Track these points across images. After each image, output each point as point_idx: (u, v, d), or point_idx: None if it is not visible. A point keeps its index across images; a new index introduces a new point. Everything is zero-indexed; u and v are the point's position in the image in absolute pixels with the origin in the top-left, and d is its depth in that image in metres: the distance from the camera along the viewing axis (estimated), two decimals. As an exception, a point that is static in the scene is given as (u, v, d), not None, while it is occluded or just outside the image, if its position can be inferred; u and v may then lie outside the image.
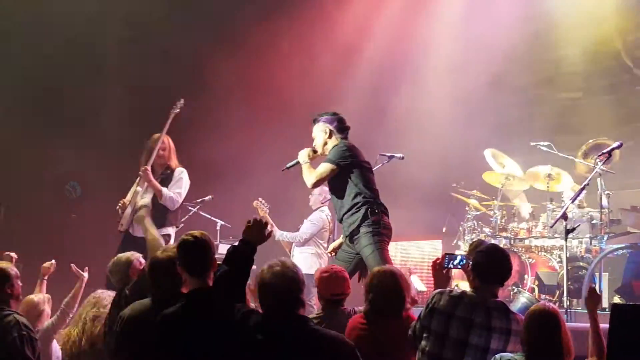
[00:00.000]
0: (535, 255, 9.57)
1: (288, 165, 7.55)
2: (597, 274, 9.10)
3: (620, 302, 9.28)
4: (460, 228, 10.30)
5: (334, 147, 7.40)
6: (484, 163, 10.50)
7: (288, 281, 4.59)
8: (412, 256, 11.34)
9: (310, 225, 10.42)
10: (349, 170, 7.27)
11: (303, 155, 7.41)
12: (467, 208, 10.41)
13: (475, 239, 9.57)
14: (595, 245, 9.27)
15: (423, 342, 5.26)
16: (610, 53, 12.76)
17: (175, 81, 11.62)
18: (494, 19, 12.08)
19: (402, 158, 8.46)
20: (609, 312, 5.41)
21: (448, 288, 5.48)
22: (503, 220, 10.00)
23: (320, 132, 7.49)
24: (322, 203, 10.40)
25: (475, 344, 5.16)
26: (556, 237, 9.27)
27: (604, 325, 5.18)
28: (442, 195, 10.89)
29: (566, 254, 7.88)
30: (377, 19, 12.98)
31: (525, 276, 9.32)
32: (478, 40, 12.21)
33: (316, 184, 7.40)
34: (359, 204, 7.19)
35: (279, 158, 8.20)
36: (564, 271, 7.90)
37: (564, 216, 7.84)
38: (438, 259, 5.67)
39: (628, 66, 12.75)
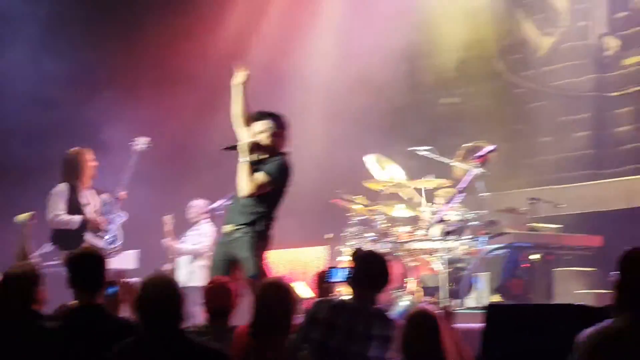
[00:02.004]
0: (418, 258, 9.77)
1: (228, 145, 7.43)
2: (476, 274, 9.41)
3: (500, 301, 9.65)
4: (345, 233, 10.42)
5: (278, 159, 7.39)
6: (366, 168, 10.66)
7: (166, 294, 4.53)
8: (298, 263, 11.48)
9: (206, 239, 10.51)
10: (279, 190, 7.33)
11: (244, 149, 7.28)
12: (350, 213, 10.55)
13: (357, 245, 9.79)
14: (474, 247, 9.55)
15: (302, 352, 5.25)
16: (487, 58, 13.16)
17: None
18: (372, 27, 12.31)
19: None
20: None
21: (329, 298, 5.55)
22: (386, 225, 10.16)
23: (269, 132, 7.42)
24: (206, 215, 10.50)
25: (355, 352, 5.20)
26: (437, 240, 9.51)
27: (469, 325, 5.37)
28: (326, 201, 11.03)
29: (445, 256, 8.11)
30: (258, 27, 13.08)
31: (408, 279, 9.52)
32: (356, 47, 12.42)
33: (251, 195, 7.29)
34: (261, 216, 7.28)
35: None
36: (443, 273, 8.13)
37: (442, 219, 8.07)
38: (322, 271, 5.75)
39: (502, 71, 13.19)
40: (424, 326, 4.74)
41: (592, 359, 3.90)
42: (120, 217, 9.61)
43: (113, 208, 9.53)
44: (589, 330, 3.99)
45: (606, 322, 3.99)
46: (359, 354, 5.22)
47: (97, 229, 9.26)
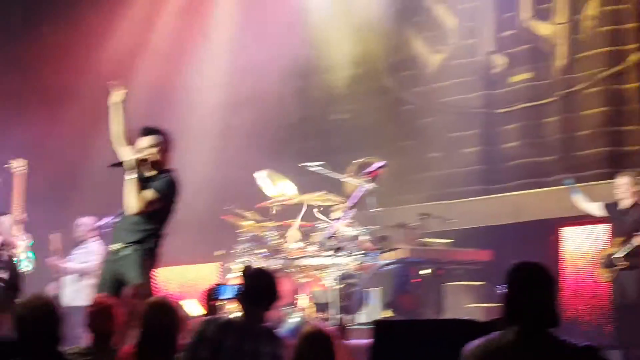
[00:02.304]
0: (309, 274, 9.76)
1: (115, 162, 7.25)
2: (368, 290, 9.43)
3: (392, 316, 9.69)
4: (236, 250, 10.34)
5: (166, 176, 7.25)
6: (260, 184, 10.60)
7: (43, 315, 4.43)
8: (188, 280, 11.34)
9: (93, 257, 10.28)
10: (168, 207, 7.20)
11: (131, 165, 7.11)
12: (240, 230, 10.47)
13: (248, 262, 9.72)
14: (366, 262, 9.56)
15: None
16: (377, 74, 13.28)
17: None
18: (262, 43, 12.30)
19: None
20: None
21: (217, 316, 5.47)
22: (277, 241, 10.12)
23: (156, 148, 7.27)
24: (93, 233, 10.29)
25: None
26: (328, 256, 9.50)
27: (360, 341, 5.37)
28: (217, 217, 10.92)
29: (335, 272, 8.10)
30: (147, 42, 12.93)
31: (299, 295, 9.49)
32: (247, 63, 12.39)
33: (139, 212, 7.13)
34: (150, 233, 7.14)
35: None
36: (335, 289, 8.12)
37: (333, 235, 8.07)
38: (209, 288, 5.66)
39: (392, 87, 13.31)
40: (318, 344, 4.72)
41: None
42: (25, 240, 9.40)
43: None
44: (475, 343, 3.99)
45: (492, 335, 3.99)
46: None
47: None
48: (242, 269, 5.76)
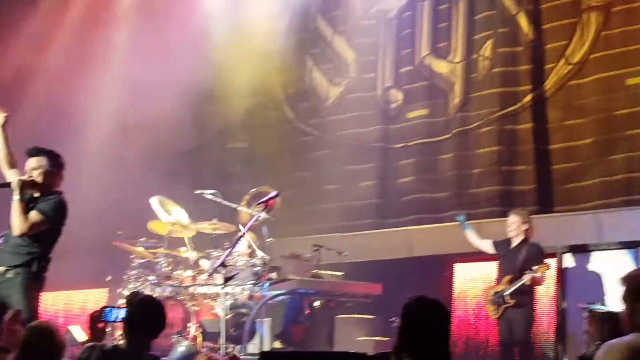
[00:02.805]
0: (200, 302, 9.65)
1: (2, 183, 7.03)
2: (258, 320, 9.35)
3: (282, 347, 9.63)
4: (125, 276, 10.17)
5: (53, 198, 7.05)
6: (152, 211, 10.46)
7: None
8: (76, 305, 11.08)
9: None
10: (54, 229, 7.01)
11: (15, 185, 6.88)
12: (132, 256, 10.31)
13: (139, 288, 9.57)
14: (257, 292, 9.50)
15: None
16: (276, 105, 13.30)
17: None
18: (161, 69, 12.10)
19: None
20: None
21: (102, 343, 5.35)
22: (168, 268, 10.00)
23: (43, 169, 7.06)
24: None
25: None
26: (219, 285, 9.39)
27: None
28: (107, 242, 10.72)
29: (225, 301, 8.02)
30: (42, 59, 12.67)
31: (189, 324, 9.37)
32: (145, 88, 12.18)
33: (24, 234, 6.92)
34: (35, 257, 6.96)
35: None
36: (225, 319, 8.04)
37: (223, 264, 8.00)
38: (96, 311, 5.52)
39: (290, 118, 13.33)
40: None
41: None
42: None
43: None
44: None
45: None
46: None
47: None
48: (128, 296, 5.73)
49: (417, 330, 3.99)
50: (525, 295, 9.00)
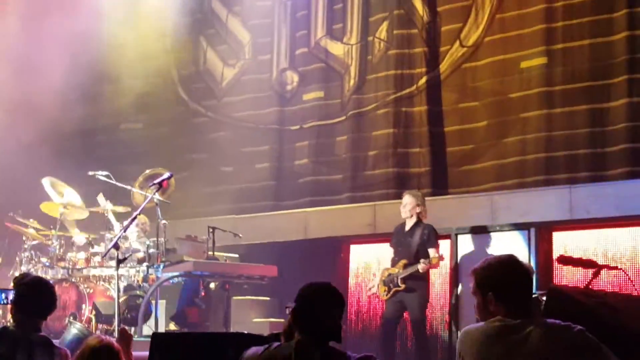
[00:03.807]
0: (94, 284, 9.49)
1: None
2: (153, 302, 9.24)
3: (176, 329, 9.53)
4: (17, 258, 9.93)
5: None
6: (44, 192, 10.22)
7: None
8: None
9: None
10: None
11: None
12: (24, 238, 10.06)
13: (31, 270, 9.36)
14: (152, 274, 9.38)
15: None
16: (168, 86, 13.12)
17: None
18: (52, 49, 11.80)
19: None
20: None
21: None
22: (61, 250, 9.81)
23: None
24: None
25: None
26: (113, 267, 9.24)
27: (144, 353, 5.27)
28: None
29: (119, 283, 7.91)
30: None
31: (83, 306, 9.20)
32: (33, 66, 11.87)
33: None
34: None
35: None
36: (118, 300, 7.93)
37: (116, 246, 7.85)
38: None
39: (184, 99, 13.17)
40: (104, 357, 4.55)
41: None
42: None
43: None
44: (254, 350, 4.17)
45: (274, 344, 4.16)
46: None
47: None
48: (16, 277, 5.58)
49: (308, 311, 4.09)
50: (419, 281, 9.05)
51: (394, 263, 9.29)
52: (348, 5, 12.07)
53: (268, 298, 10.74)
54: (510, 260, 4.13)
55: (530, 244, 9.29)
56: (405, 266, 9.06)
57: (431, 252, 8.98)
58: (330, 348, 4.08)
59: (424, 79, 11.30)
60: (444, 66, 11.20)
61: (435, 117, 11.20)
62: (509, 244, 9.40)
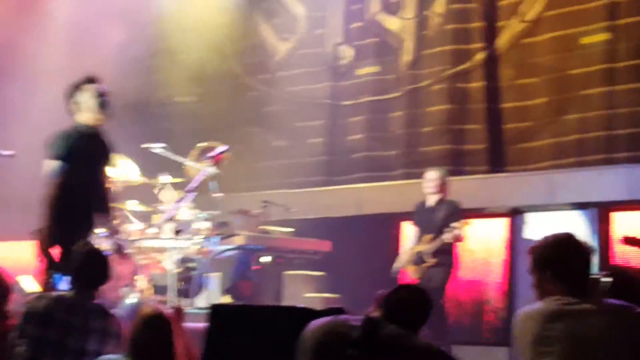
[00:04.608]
0: (149, 256, 9.51)
1: None
2: (207, 275, 9.24)
3: (229, 302, 9.53)
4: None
5: None
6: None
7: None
8: (24, 257, 10.81)
9: None
10: None
11: None
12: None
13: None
14: (205, 247, 9.38)
15: (19, 348, 5.10)
16: (223, 60, 13.06)
17: None
18: (107, 22, 11.86)
19: (13, 156, 8.11)
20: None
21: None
22: (117, 221, 9.83)
23: None
24: None
25: (73, 346, 5.13)
26: (168, 238, 9.26)
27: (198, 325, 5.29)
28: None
29: (174, 255, 7.92)
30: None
31: (138, 277, 9.23)
32: (90, 40, 11.92)
33: None
34: None
35: None
36: (173, 272, 7.96)
37: (173, 218, 7.87)
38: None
39: (238, 73, 13.12)
40: (156, 327, 4.69)
41: (317, 354, 3.93)
42: None
43: None
44: (323, 320, 4.04)
45: (344, 317, 4.07)
46: (77, 348, 5.15)
47: None
48: (76, 245, 5.67)
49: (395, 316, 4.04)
50: (445, 255, 8.97)
51: (417, 241, 9.21)
52: (404, -21, 11.93)
53: (321, 273, 10.69)
54: (569, 239, 4.06)
55: (591, 224, 9.15)
56: (431, 241, 8.98)
57: (458, 222, 8.86)
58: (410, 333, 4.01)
59: (480, 55, 11.13)
60: (501, 41, 11.01)
61: (492, 93, 11.04)
62: (567, 224, 9.27)
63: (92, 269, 5.37)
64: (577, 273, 4.00)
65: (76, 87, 7.18)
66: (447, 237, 8.82)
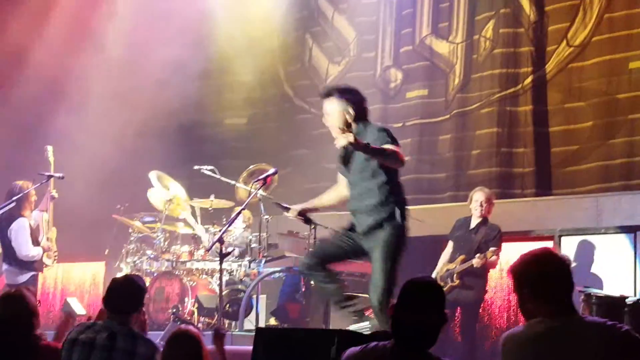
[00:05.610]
0: (196, 278, 9.67)
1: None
2: (254, 297, 9.35)
3: (276, 324, 9.64)
4: (123, 250, 10.20)
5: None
6: (150, 185, 10.46)
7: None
8: (74, 278, 11.07)
9: None
10: None
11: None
12: (130, 230, 10.32)
13: (137, 262, 9.61)
14: (253, 269, 9.51)
15: None
16: (274, 82, 13.24)
17: None
18: (162, 44, 12.05)
19: (62, 178, 8.29)
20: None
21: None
22: (166, 243, 10.02)
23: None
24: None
25: None
26: (216, 260, 9.42)
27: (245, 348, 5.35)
28: (106, 216, 10.71)
29: (222, 277, 8.04)
30: (41, 32, 12.59)
31: (186, 299, 9.38)
32: (145, 62, 12.12)
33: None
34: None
35: None
36: (221, 294, 8.06)
37: (220, 240, 7.99)
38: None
39: (289, 95, 13.28)
40: (185, 347, 4.84)
41: None
42: None
43: None
44: (355, 350, 4.09)
45: (373, 344, 4.08)
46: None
47: None
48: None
49: (405, 309, 4.00)
50: (476, 278, 8.97)
51: (452, 259, 9.22)
52: (454, 3, 11.98)
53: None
54: (543, 254, 3.98)
55: (636, 248, 9.12)
56: (463, 261, 8.99)
57: (491, 249, 8.85)
58: (427, 354, 3.99)
59: (529, 79, 11.16)
60: (550, 66, 11.04)
61: (540, 117, 11.06)
62: (614, 247, 9.24)
63: (119, 296, 5.38)
64: (555, 288, 3.89)
65: None
66: (476, 262, 8.81)
